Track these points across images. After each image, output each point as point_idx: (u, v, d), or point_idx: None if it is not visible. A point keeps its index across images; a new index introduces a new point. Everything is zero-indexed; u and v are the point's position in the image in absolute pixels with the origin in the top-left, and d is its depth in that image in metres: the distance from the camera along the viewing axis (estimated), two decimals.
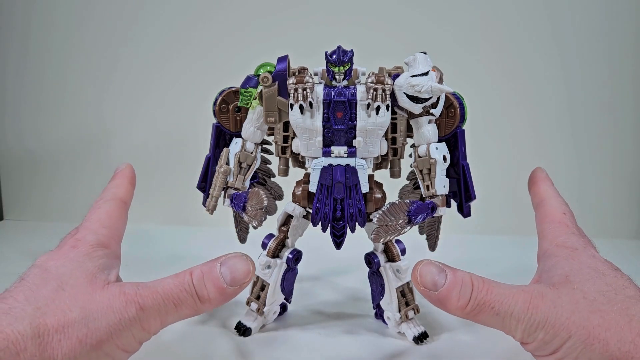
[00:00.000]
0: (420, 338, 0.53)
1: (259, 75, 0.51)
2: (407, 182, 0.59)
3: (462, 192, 0.54)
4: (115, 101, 0.96)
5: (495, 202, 0.88)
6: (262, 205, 0.47)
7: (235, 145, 0.52)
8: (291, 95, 0.49)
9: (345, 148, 0.49)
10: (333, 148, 0.49)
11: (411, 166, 0.52)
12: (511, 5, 0.89)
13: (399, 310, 0.54)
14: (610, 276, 0.44)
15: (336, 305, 0.63)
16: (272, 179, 0.62)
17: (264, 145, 0.61)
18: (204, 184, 0.59)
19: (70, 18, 0.93)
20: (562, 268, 0.45)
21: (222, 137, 0.58)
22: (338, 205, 0.50)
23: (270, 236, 0.55)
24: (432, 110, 0.50)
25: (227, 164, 0.52)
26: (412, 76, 0.49)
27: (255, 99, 0.52)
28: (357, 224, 0.51)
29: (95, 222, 0.47)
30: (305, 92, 0.48)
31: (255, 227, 0.49)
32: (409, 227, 0.48)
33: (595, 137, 0.92)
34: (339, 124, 0.49)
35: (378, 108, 0.49)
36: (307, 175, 0.54)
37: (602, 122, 0.91)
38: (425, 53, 0.51)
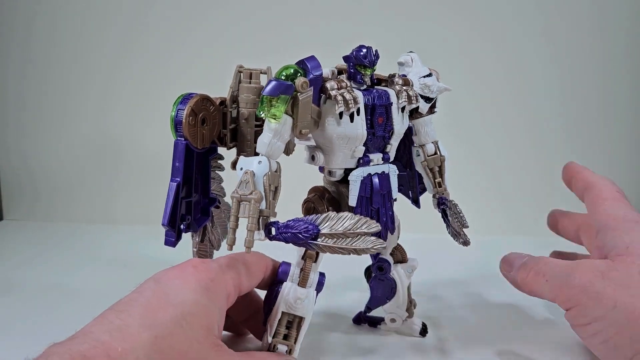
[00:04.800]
0: (425, 329, 0.55)
1: (281, 79, 0.43)
2: None
3: (417, 185, 0.56)
4: (115, 104, 0.94)
5: (493, 203, 0.90)
6: (372, 229, 0.41)
7: (260, 165, 0.42)
8: (339, 102, 0.43)
9: (381, 155, 0.47)
10: (371, 156, 0.46)
11: (419, 165, 0.52)
12: (506, 4, 0.88)
13: (407, 309, 0.54)
14: None
15: (340, 320, 0.59)
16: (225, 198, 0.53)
17: (219, 161, 0.52)
18: (174, 218, 0.47)
19: (71, 23, 0.92)
20: (623, 240, 0.45)
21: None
22: (374, 215, 0.47)
23: (286, 264, 0.48)
24: (434, 110, 0.51)
25: (255, 188, 0.42)
26: (423, 77, 0.49)
27: (274, 106, 0.43)
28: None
29: (229, 258, 0.46)
30: (353, 97, 0.43)
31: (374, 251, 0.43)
32: None
33: (594, 137, 0.92)
34: (380, 129, 0.46)
35: (412, 110, 0.47)
36: (320, 189, 0.48)
37: (600, 122, 0.91)
38: (414, 53, 0.51)
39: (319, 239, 0.42)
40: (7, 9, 0.92)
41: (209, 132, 0.48)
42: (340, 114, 0.43)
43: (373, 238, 0.42)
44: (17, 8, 0.92)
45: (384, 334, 0.56)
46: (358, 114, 0.44)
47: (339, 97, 0.43)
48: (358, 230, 0.42)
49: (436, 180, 0.52)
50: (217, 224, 0.53)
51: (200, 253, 0.52)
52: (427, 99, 0.50)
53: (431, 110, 0.51)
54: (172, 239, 0.47)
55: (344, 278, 0.60)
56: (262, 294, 0.50)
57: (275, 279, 0.48)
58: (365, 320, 0.57)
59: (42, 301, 0.63)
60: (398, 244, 0.53)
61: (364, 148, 0.45)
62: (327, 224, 0.42)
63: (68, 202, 0.96)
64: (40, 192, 0.97)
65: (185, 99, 0.46)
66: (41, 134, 0.96)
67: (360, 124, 0.45)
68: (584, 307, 0.43)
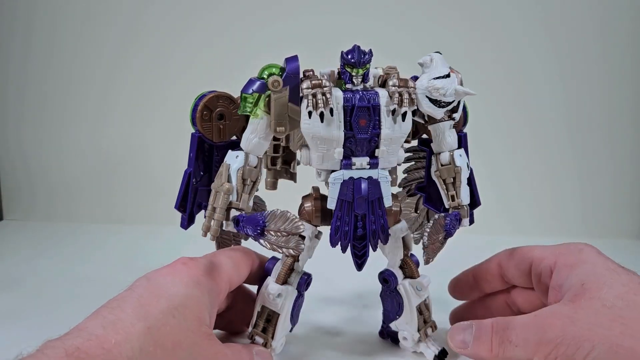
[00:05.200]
0: (441, 357, 0.50)
1: (263, 78, 0.44)
2: (400, 189, 0.56)
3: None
4: (115, 105, 0.96)
5: (496, 203, 0.86)
6: (298, 230, 0.41)
7: (236, 159, 0.45)
8: (309, 101, 0.43)
9: (367, 159, 0.45)
10: (354, 159, 0.44)
11: (432, 175, 0.48)
12: (512, 9, 0.87)
13: (419, 329, 0.50)
14: (623, 274, 0.44)
15: (341, 328, 0.58)
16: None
17: None
18: (184, 203, 0.52)
19: (71, 23, 0.94)
20: (578, 277, 0.44)
21: (201, 149, 0.51)
22: (359, 222, 0.45)
23: (273, 260, 0.49)
24: (453, 115, 0.47)
25: (229, 181, 0.45)
26: (435, 78, 0.45)
27: (256, 105, 0.45)
28: (379, 241, 0.46)
29: (216, 255, 0.48)
30: (325, 97, 0.42)
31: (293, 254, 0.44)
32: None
33: (595, 137, 0.90)
34: (363, 132, 0.44)
35: (405, 114, 0.44)
36: (316, 190, 0.48)
37: (601, 123, 0.90)
38: (440, 53, 0.47)
39: (265, 235, 0.42)
40: (7, 9, 0.93)
41: (229, 127, 0.51)
42: (310, 113, 0.43)
43: (297, 239, 0.41)
44: (17, 8, 0.93)
45: (399, 353, 0.52)
46: (332, 114, 0.43)
47: (310, 96, 0.43)
48: (287, 229, 0.41)
49: (449, 192, 0.47)
50: None
51: (224, 240, 0.55)
52: (439, 103, 0.45)
53: (450, 116, 0.47)
54: (185, 222, 0.52)
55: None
56: None
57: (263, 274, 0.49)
58: (388, 334, 0.54)
59: (42, 301, 0.65)
60: (409, 259, 0.50)
61: (342, 150, 0.44)
62: (271, 220, 0.42)
63: (68, 202, 0.97)
64: (39, 192, 0.98)
65: (203, 95, 0.51)
66: (41, 134, 0.97)
67: (335, 125, 0.43)
68: (566, 356, 0.40)
